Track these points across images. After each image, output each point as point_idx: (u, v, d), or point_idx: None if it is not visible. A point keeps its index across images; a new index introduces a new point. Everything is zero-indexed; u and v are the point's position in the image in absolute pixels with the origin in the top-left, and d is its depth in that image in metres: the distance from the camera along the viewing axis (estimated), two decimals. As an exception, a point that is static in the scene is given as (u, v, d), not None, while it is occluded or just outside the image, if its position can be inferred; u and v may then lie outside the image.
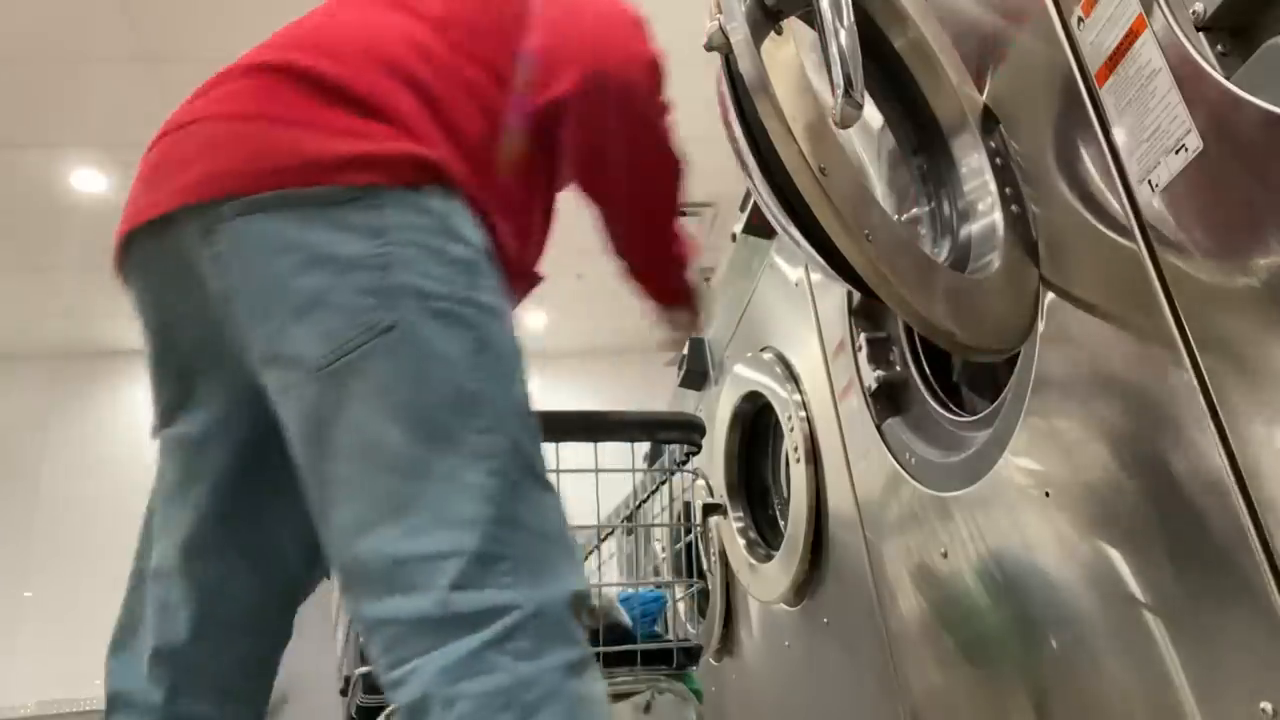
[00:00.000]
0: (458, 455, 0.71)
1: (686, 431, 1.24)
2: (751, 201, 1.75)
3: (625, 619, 1.20)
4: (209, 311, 0.80)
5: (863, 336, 1.30)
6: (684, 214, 1.04)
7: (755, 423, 1.92)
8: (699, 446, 1.28)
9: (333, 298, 0.73)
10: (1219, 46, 0.69)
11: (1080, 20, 0.82)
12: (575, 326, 5.22)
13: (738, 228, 1.85)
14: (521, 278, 0.96)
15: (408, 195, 0.77)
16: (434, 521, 0.69)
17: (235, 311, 0.77)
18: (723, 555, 1.97)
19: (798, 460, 1.50)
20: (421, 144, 0.79)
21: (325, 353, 0.72)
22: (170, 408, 0.87)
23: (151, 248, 0.81)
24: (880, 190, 1.12)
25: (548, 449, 1.22)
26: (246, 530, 0.86)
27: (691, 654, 1.21)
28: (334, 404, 0.72)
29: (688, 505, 2.13)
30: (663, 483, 1.42)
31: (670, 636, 1.27)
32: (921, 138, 1.01)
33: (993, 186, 0.94)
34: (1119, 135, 0.78)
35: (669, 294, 1.15)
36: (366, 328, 0.72)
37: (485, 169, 0.85)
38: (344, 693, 1.14)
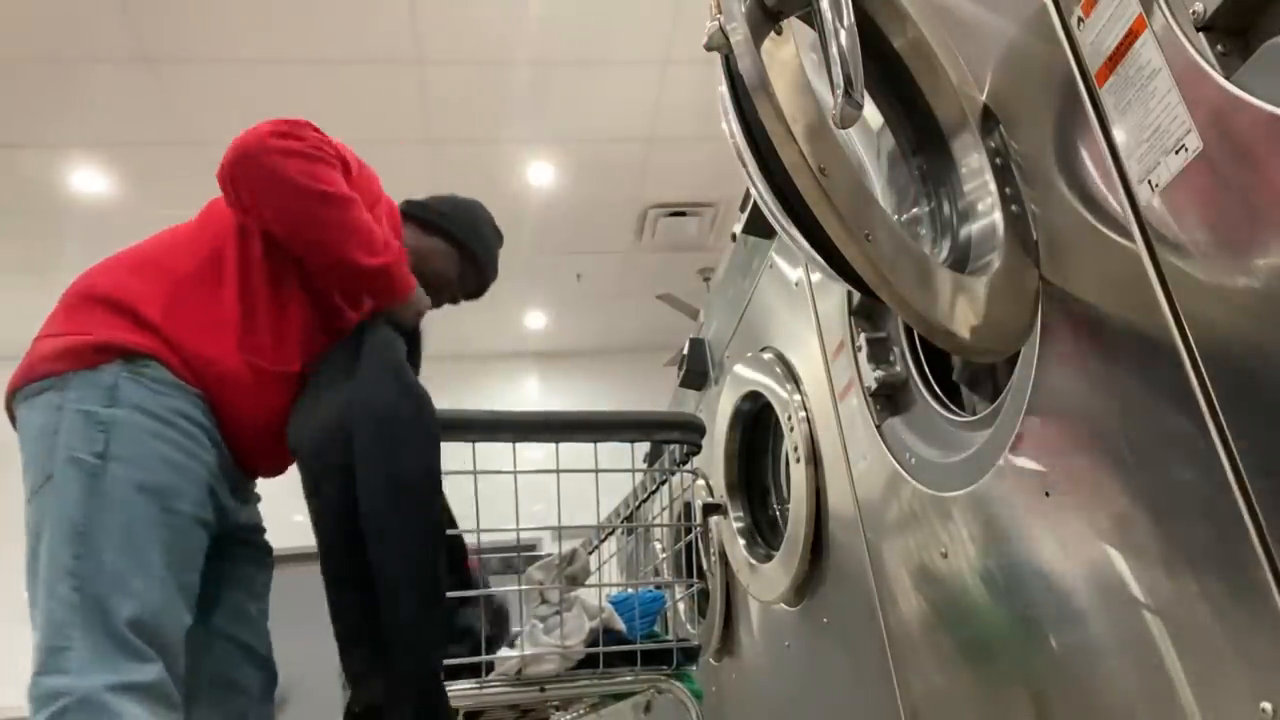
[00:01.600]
0: (57, 572, 1.01)
1: (686, 431, 1.24)
2: (751, 201, 1.75)
3: (621, 625, 1.20)
4: None
5: (863, 336, 1.30)
6: (341, 238, 1.22)
7: (755, 423, 1.92)
8: (699, 446, 1.28)
9: (34, 456, 1.08)
10: (1219, 46, 0.69)
11: (1080, 20, 0.82)
12: (575, 326, 5.21)
13: (738, 228, 1.85)
14: (261, 368, 1.22)
15: (86, 375, 1.09)
16: (41, 621, 1.00)
17: None
18: (723, 555, 1.97)
19: (798, 460, 1.50)
20: (113, 329, 1.12)
21: (27, 494, 1.08)
22: None
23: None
24: (880, 190, 1.12)
25: (548, 449, 1.22)
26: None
27: (690, 654, 1.21)
28: (27, 530, 1.06)
29: (688, 505, 2.14)
30: (662, 483, 1.42)
31: (669, 637, 1.27)
32: (921, 138, 1.01)
33: (993, 186, 0.94)
34: (1119, 135, 0.78)
35: (380, 295, 1.30)
36: (41, 477, 1.06)
37: (190, 324, 1.17)
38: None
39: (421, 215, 1.48)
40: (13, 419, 1.15)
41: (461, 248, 1.48)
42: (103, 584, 1.00)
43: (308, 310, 1.28)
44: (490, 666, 1.08)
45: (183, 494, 1.10)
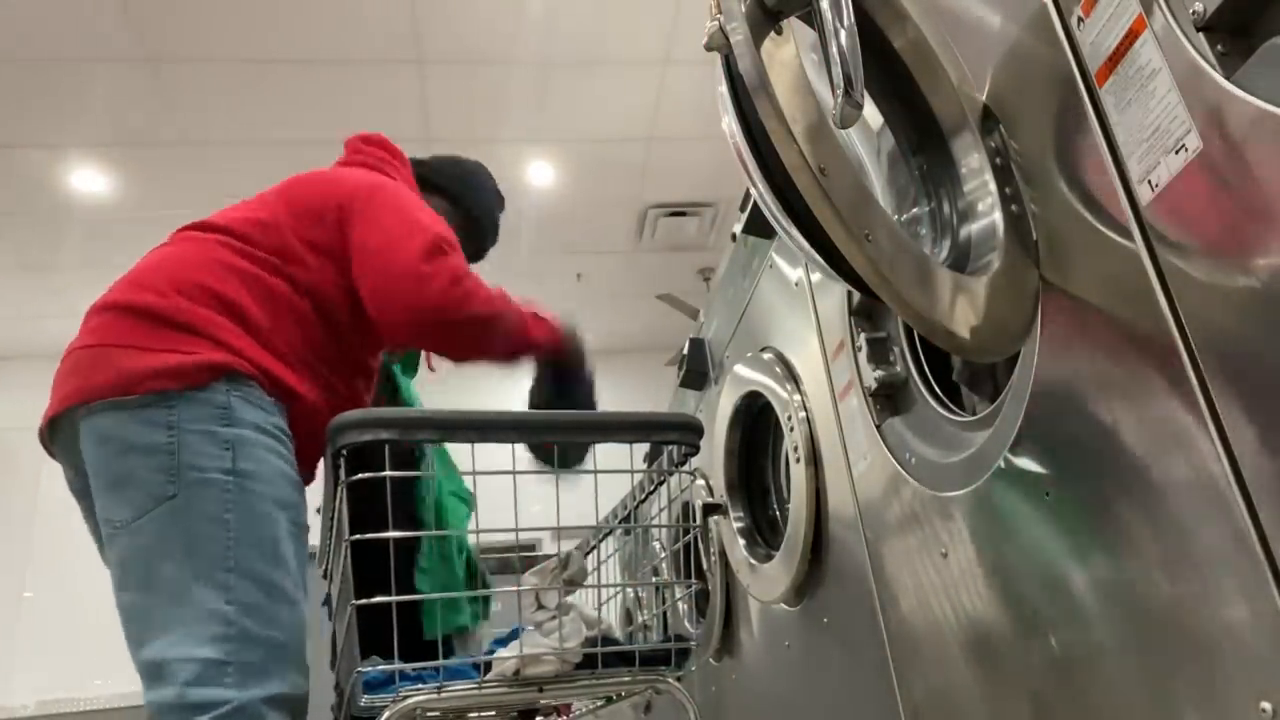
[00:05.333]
0: (206, 587, 1.01)
1: (684, 432, 1.24)
2: (751, 201, 1.75)
3: (618, 635, 1.21)
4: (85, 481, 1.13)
5: (863, 336, 1.30)
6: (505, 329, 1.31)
7: (755, 423, 1.92)
8: (697, 447, 1.28)
9: (137, 475, 1.05)
10: (1219, 46, 0.69)
11: (1080, 20, 0.82)
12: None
13: (738, 228, 1.85)
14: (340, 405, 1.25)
15: (195, 393, 1.08)
16: (185, 636, 1.00)
17: (92, 489, 1.11)
18: (723, 555, 1.97)
19: (798, 460, 1.50)
20: (214, 349, 1.11)
21: (128, 515, 1.05)
22: (99, 542, 1.16)
23: (54, 436, 1.17)
24: (880, 190, 1.12)
25: (547, 449, 1.22)
26: None
27: (684, 654, 1.21)
28: (136, 548, 1.04)
29: (686, 505, 2.13)
30: (660, 483, 1.42)
31: (661, 638, 1.27)
32: (921, 138, 1.01)
33: (993, 186, 0.93)
34: (1119, 135, 0.78)
35: (540, 354, 1.41)
36: (157, 497, 1.04)
37: (285, 350, 1.19)
38: (338, 689, 1.14)
39: (420, 171, 1.52)
40: (72, 425, 1.12)
41: (458, 203, 1.52)
42: (257, 598, 1.02)
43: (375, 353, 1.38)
44: (488, 667, 1.08)
45: (300, 508, 1.14)
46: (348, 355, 1.29)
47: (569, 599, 1.17)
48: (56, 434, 1.16)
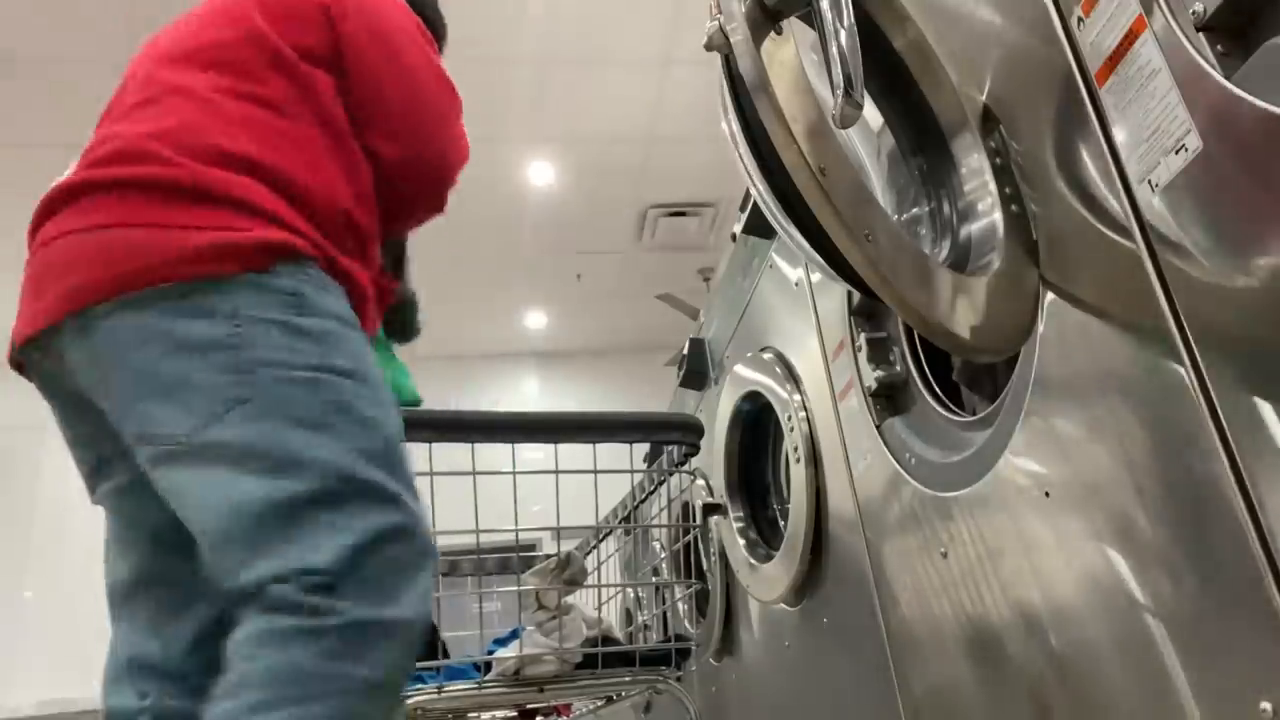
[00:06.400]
0: (318, 506, 0.80)
1: (684, 432, 1.24)
2: (751, 201, 1.75)
3: (618, 635, 1.21)
4: (95, 400, 0.89)
5: (863, 336, 1.30)
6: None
7: (755, 423, 1.92)
8: (697, 447, 1.28)
9: (195, 378, 0.82)
10: (1219, 46, 0.69)
11: (1080, 20, 0.82)
12: (575, 326, 5.22)
13: (738, 228, 1.85)
14: (380, 297, 1.07)
15: (257, 278, 0.86)
16: (297, 551, 0.78)
17: (113, 398, 0.86)
18: (723, 555, 1.97)
19: (798, 460, 1.50)
20: (267, 225, 0.88)
21: (188, 426, 0.81)
22: (91, 475, 0.98)
23: (44, 350, 0.90)
24: (880, 190, 1.12)
25: (547, 449, 1.22)
26: (185, 562, 0.93)
27: (684, 654, 1.21)
28: (204, 470, 0.81)
29: (686, 505, 2.14)
30: (660, 483, 1.42)
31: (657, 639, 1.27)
32: (921, 138, 1.01)
33: (993, 186, 0.94)
34: (1119, 135, 0.78)
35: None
36: (225, 400, 0.81)
37: (328, 220, 0.95)
38: None
39: None
40: (86, 330, 0.87)
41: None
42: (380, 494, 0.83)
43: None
44: (488, 667, 1.08)
45: (398, 417, 0.94)
46: (370, 205, 1.05)
47: (569, 599, 1.17)
48: (46, 349, 0.90)
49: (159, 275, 0.84)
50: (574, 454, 1.20)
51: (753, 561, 1.79)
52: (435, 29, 1.28)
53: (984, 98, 0.97)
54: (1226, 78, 0.67)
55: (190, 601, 0.93)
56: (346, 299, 0.93)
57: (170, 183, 0.88)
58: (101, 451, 0.95)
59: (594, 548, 2.05)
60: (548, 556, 1.50)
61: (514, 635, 1.16)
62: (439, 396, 1.17)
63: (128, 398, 0.85)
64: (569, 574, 1.18)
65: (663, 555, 2.50)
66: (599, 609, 1.22)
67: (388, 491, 0.82)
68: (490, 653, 1.13)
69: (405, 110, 1.05)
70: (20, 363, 0.95)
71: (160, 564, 0.94)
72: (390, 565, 0.80)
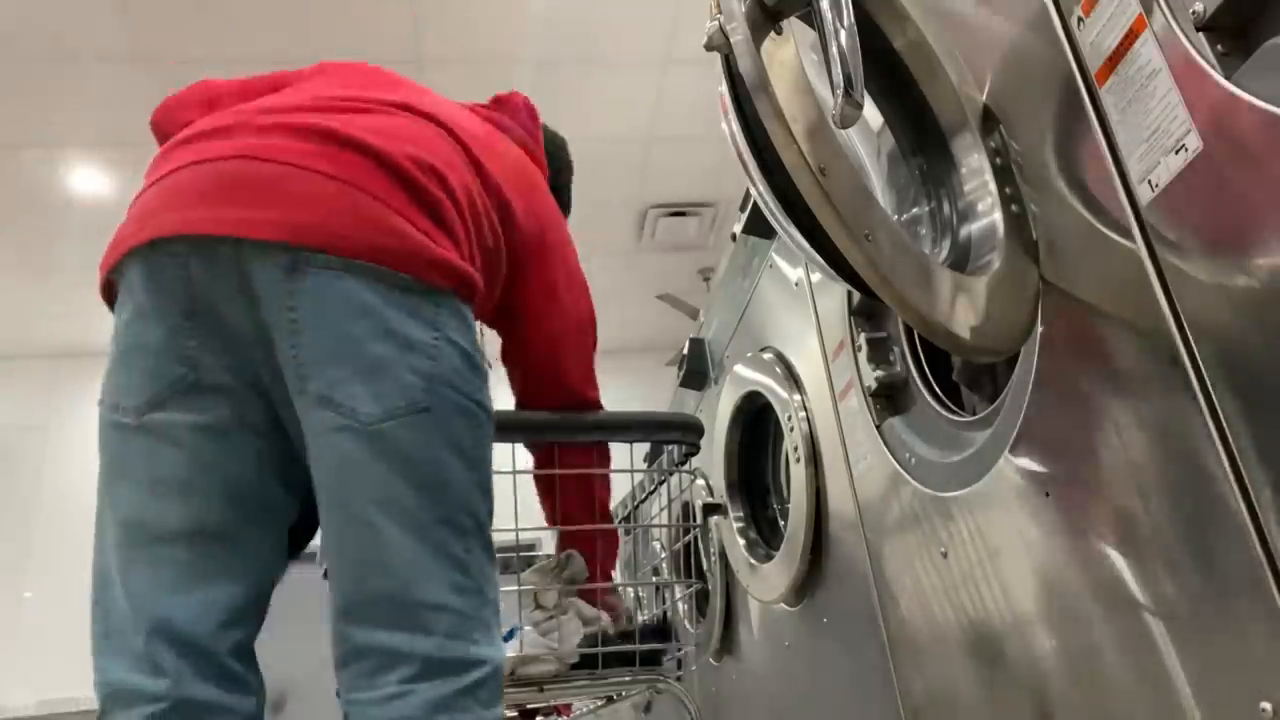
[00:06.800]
0: (448, 529, 0.85)
1: (684, 432, 1.24)
2: (751, 201, 1.75)
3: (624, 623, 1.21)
4: (249, 331, 0.87)
5: (863, 336, 1.30)
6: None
7: (755, 423, 1.92)
8: (697, 447, 1.28)
9: (393, 369, 0.85)
10: (1219, 46, 0.69)
11: (1080, 20, 0.82)
12: (575, 326, 5.20)
13: (738, 228, 1.85)
14: None
15: (456, 303, 0.91)
16: (436, 581, 0.83)
17: (298, 346, 0.85)
18: (723, 555, 1.97)
19: (798, 460, 1.50)
20: (466, 261, 0.93)
21: (375, 412, 0.84)
22: (162, 394, 0.88)
23: (207, 254, 0.86)
24: (880, 190, 1.12)
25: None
26: (254, 527, 0.91)
27: (657, 655, 1.21)
28: (369, 456, 0.84)
29: (687, 505, 2.13)
30: (660, 483, 1.42)
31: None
32: (921, 138, 1.01)
33: (993, 186, 0.93)
34: (1119, 135, 0.78)
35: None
36: (410, 403, 0.85)
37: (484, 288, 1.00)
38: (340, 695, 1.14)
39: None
40: (297, 268, 0.85)
41: (554, 184, 1.36)
42: (487, 554, 0.89)
43: None
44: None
45: None
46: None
47: (568, 599, 1.17)
48: (215, 252, 0.86)
49: (397, 261, 0.86)
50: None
51: (753, 561, 1.79)
52: (566, 210, 1.44)
53: (984, 98, 0.97)
54: (1226, 78, 0.67)
55: (244, 568, 0.89)
56: None
57: (416, 183, 0.91)
58: (203, 376, 0.88)
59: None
60: (548, 557, 1.50)
61: (511, 635, 1.15)
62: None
63: (324, 356, 0.85)
64: (569, 573, 1.18)
65: (663, 555, 2.50)
66: (597, 608, 1.22)
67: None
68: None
69: (560, 327, 1.18)
70: (132, 249, 0.89)
71: (227, 518, 0.88)
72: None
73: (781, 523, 1.84)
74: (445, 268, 0.89)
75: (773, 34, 0.84)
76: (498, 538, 1.16)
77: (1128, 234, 0.77)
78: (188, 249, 0.87)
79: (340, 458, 0.84)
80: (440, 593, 0.83)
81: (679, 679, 1.20)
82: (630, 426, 1.22)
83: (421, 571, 0.83)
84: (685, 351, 2.27)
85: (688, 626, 2.35)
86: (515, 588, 1.16)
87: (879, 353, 1.28)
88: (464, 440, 0.87)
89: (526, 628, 1.15)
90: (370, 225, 0.86)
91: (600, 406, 1.22)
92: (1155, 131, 0.73)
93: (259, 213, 0.86)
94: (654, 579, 2.47)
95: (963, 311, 0.84)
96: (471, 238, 0.96)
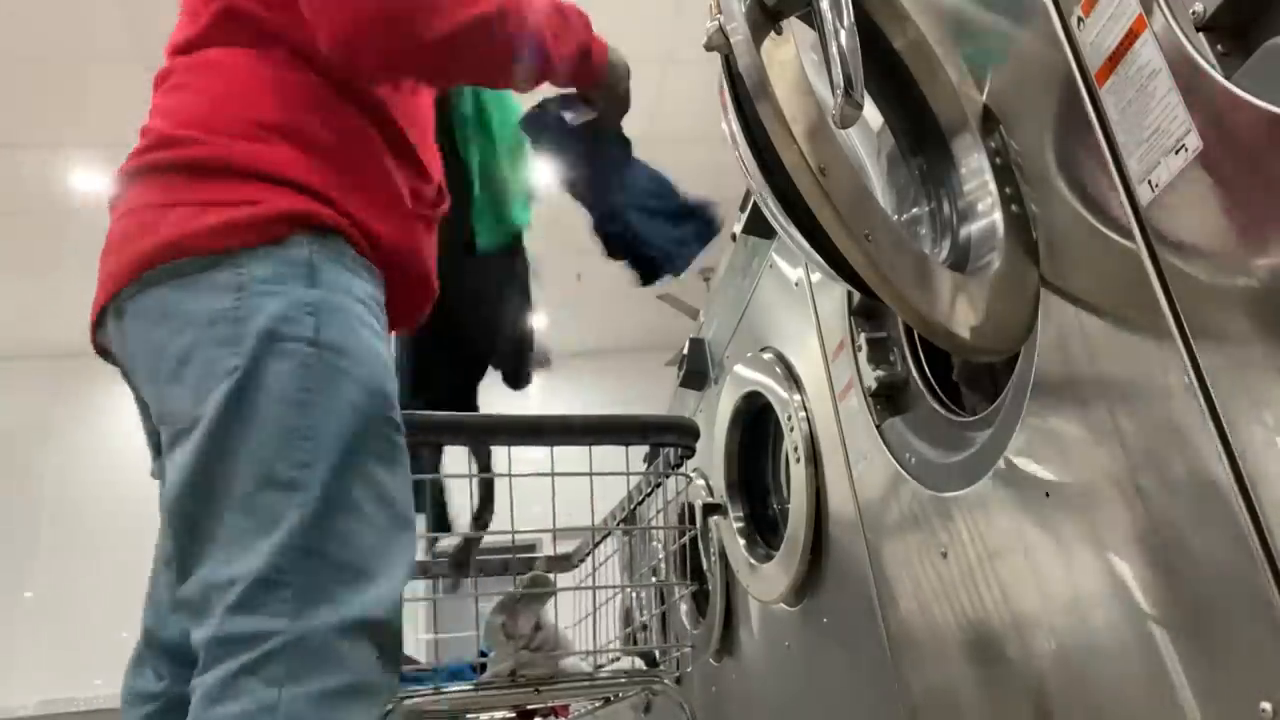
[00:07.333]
0: (270, 488, 0.76)
1: (679, 434, 1.24)
2: (751, 201, 1.75)
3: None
4: (136, 384, 0.90)
5: (863, 336, 1.30)
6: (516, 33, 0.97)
7: (755, 423, 1.92)
8: (692, 450, 1.28)
9: (196, 354, 0.80)
10: (1219, 46, 0.69)
11: (1080, 20, 0.82)
12: (575, 326, 5.21)
13: (737, 228, 1.85)
14: (415, 251, 1.01)
15: (270, 250, 0.83)
16: (236, 551, 0.74)
17: (140, 381, 0.86)
18: (723, 555, 1.97)
19: (798, 460, 1.50)
20: (293, 193, 0.86)
21: (189, 404, 0.79)
22: (155, 444, 0.93)
23: (109, 334, 0.91)
24: (880, 190, 1.12)
25: (543, 452, 1.22)
26: None
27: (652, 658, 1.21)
28: (191, 454, 0.78)
29: (685, 506, 2.13)
30: (657, 485, 1.42)
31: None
32: (921, 138, 1.01)
33: (993, 186, 0.93)
34: (1119, 135, 0.78)
35: (574, 78, 1.14)
36: (219, 374, 0.78)
37: (360, 179, 0.92)
38: None
39: None
40: (120, 314, 0.86)
41: None
42: (331, 507, 0.77)
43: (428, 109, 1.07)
44: (484, 668, 1.08)
45: (394, 400, 0.87)
46: (406, 152, 1.00)
47: (543, 614, 1.16)
48: (108, 334, 0.90)
49: (175, 251, 0.83)
50: (572, 455, 1.20)
51: (753, 561, 1.79)
52: None
53: (984, 98, 0.97)
54: (1226, 78, 0.67)
55: None
56: (375, 276, 0.91)
57: (202, 161, 0.87)
58: (153, 431, 0.92)
59: (593, 549, 2.06)
60: (548, 558, 1.49)
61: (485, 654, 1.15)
62: (438, 397, 1.17)
63: (145, 378, 0.85)
64: (539, 591, 1.16)
65: (662, 556, 2.50)
66: (595, 610, 1.22)
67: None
68: (484, 654, 1.12)
69: None
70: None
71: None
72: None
73: (781, 523, 1.84)
74: (238, 227, 0.83)
75: (773, 34, 0.84)
76: (497, 539, 1.16)
77: (1128, 234, 0.76)
78: (104, 334, 0.92)
79: (175, 471, 0.80)
80: (240, 564, 0.75)
81: (678, 680, 1.20)
82: (625, 429, 1.22)
83: (225, 547, 0.76)
84: (685, 351, 2.27)
85: (687, 626, 2.35)
86: (513, 590, 1.16)
87: (879, 353, 1.28)
88: (291, 384, 0.79)
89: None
90: (147, 235, 0.85)
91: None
92: (1155, 131, 0.73)
93: (100, 281, 0.90)
94: (654, 579, 2.46)
95: (963, 311, 0.84)
96: (310, 135, 0.89)
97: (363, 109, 0.95)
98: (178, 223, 0.84)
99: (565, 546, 1.76)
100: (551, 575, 1.25)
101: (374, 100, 0.96)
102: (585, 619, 1.29)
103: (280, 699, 0.68)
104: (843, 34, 0.77)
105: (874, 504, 1.29)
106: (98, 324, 0.91)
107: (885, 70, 0.99)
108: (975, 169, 0.95)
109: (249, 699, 0.68)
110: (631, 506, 1.77)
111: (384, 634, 0.76)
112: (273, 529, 0.74)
